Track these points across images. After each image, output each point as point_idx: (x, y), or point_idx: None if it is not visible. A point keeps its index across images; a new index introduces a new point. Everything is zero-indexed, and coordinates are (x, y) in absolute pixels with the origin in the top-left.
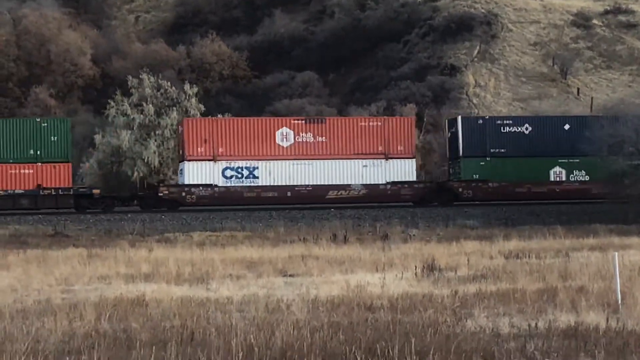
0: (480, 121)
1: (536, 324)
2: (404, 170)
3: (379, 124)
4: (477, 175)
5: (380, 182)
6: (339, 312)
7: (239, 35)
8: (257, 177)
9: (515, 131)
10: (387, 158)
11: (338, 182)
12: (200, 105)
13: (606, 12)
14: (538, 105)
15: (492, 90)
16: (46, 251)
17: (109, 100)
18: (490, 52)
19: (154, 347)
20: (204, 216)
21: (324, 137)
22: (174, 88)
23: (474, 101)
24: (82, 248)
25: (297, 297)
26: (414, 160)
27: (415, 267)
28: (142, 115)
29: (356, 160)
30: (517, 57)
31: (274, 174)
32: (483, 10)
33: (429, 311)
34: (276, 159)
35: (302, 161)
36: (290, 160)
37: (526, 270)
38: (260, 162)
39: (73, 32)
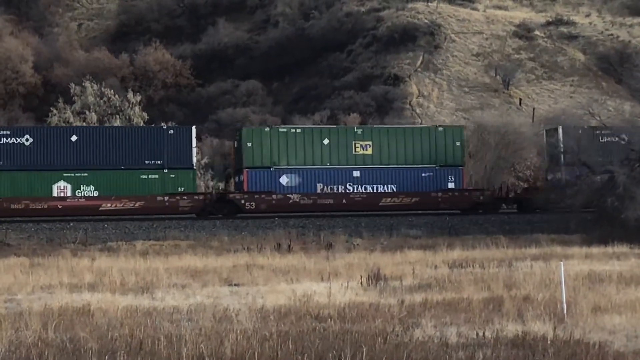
0: None
1: (484, 333)
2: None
3: None
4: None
5: None
6: (287, 321)
7: (183, 44)
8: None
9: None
10: None
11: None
12: (143, 113)
13: (548, 24)
14: (480, 116)
15: (435, 101)
16: None
17: (51, 108)
18: (433, 63)
19: (104, 357)
20: (147, 225)
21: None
22: (117, 96)
23: (417, 111)
24: (24, 257)
25: (244, 306)
26: None
27: (361, 276)
28: (84, 123)
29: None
30: (460, 68)
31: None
32: (426, 21)
33: (377, 321)
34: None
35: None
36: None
37: (471, 280)
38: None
39: (14, 39)
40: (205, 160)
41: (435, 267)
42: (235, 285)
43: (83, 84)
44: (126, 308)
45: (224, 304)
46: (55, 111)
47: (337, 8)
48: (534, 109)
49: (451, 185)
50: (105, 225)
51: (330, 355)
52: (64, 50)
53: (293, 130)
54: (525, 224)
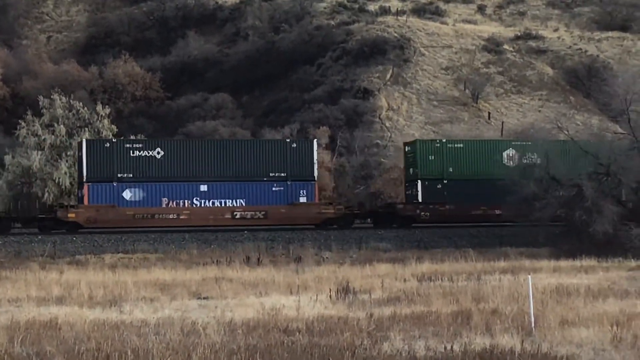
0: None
1: (452, 346)
2: None
3: None
4: None
5: None
6: (255, 335)
7: (152, 56)
8: None
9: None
10: None
11: None
12: (112, 126)
13: (517, 38)
14: (450, 129)
15: (405, 114)
16: None
17: (19, 121)
18: (402, 76)
19: None
20: (116, 238)
21: None
22: (86, 109)
23: (387, 124)
24: None
25: (213, 319)
26: None
27: (330, 289)
28: (53, 136)
29: None
30: (430, 81)
31: None
32: (396, 35)
33: (345, 334)
34: None
35: None
36: None
37: (440, 293)
38: None
39: None
40: None
41: (405, 280)
42: (204, 298)
43: (52, 96)
44: (94, 322)
45: (193, 317)
46: (23, 124)
47: (307, 21)
48: (502, 123)
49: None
50: (74, 238)
51: None
52: (33, 63)
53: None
54: (494, 237)
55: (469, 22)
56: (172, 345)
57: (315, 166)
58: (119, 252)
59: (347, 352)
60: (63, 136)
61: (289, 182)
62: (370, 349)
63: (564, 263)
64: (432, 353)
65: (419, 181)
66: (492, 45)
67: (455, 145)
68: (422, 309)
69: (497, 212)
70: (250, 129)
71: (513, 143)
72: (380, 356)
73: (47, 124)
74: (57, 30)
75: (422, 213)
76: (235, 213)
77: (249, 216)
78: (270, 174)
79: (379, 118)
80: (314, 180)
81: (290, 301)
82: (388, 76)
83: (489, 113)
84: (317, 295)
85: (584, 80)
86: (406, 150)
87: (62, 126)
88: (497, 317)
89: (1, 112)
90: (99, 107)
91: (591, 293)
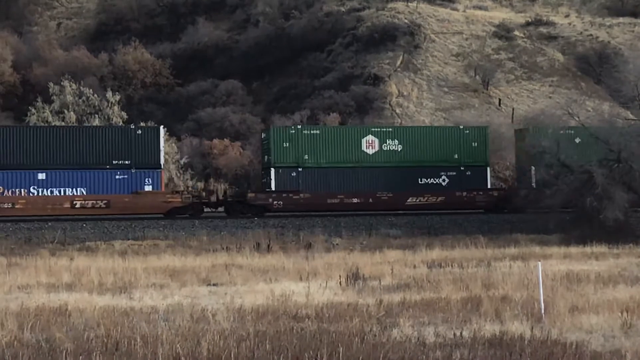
0: None
1: (461, 333)
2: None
3: None
4: None
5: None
6: (264, 321)
7: (162, 43)
8: None
9: None
10: None
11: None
12: (122, 112)
13: (527, 24)
14: (460, 116)
15: (415, 100)
16: None
17: (29, 107)
18: (413, 63)
19: (79, 357)
20: (126, 224)
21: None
22: (96, 95)
23: (397, 111)
24: (2, 257)
25: (222, 306)
26: None
27: (340, 276)
28: (63, 123)
29: None
30: (440, 68)
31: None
32: (406, 21)
33: (354, 320)
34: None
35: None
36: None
37: (449, 280)
38: None
39: None
40: (184, 159)
41: (414, 266)
42: (213, 285)
43: (62, 83)
44: (103, 308)
45: (202, 304)
46: (34, 110)
47: (317, 8)
48: (513, 109)
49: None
50: (84, 225)
51: (307, 355)
52: (43, 50)
53: None
54: (505, 223)
55: (480, 8)
56: (182, 331)
57: (162, 154)
58: (128, 239)
59: (357, 339)
60: (73, 123)
61: (133, 171)
62: (379, 336)
63: (574, 249)
64: (441, 339)
65: (272, 169)
66: (503, 32)
67: (312, 131)
68: (431, 296)
69: (355, 200)
70: (261, 115)
71: (372, 129)
72: (390, 342)
73: (57, 110)
74: (67, 16)
75: (275, 202)
76: (75, 202)
77: (89, 205)
78: (114, 162)
79: (389, 104)
80: (160, 169)
81: (300, 288)
82: (398, 62)
83: (500, 99)
84: (326, 282)
85: (594, 67)
86: (262, 137)
87: (72, 113)
88: (507, 303)
89: (11, 98)
90: (109, 94)
91: (601, 279)
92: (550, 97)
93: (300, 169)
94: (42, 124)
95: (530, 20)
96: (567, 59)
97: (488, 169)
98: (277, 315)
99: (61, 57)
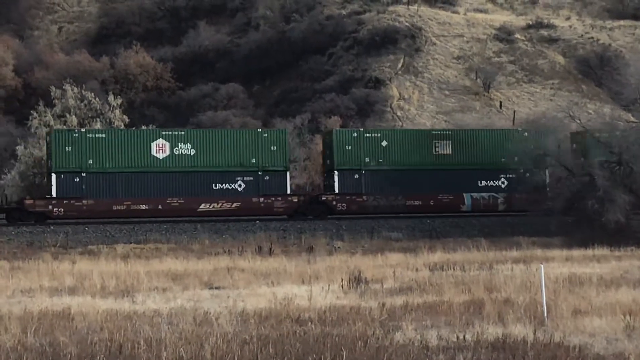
0: None
1: (464, 336)
2: None
3: None
4: None
5: None
6: (267, 325)
7: (163, 47)
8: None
9: None
10: None
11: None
12: (124, 116)
13: (528, 27)
14: (461, 119)
15: (416, 103)
16: None
17: (31, 111)
18: (414, 66)
19: None
20: (128, 228)
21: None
22: (97, 99)
23: (398, 114)
24: (4, 261)
25: (225, 309)
26: None
27: (342, 279)
28: (65, 127)
29: None
30: (441, 71)
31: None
32: (407, 24)
33: (357, 324)
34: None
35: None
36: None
37: (452, 283)
38: None
39: None
40: None
41: (416, 269)
42: (216, 288)
43: (63, 87)
44: (106, 312)
45: (205, 307)
46: (35, 114)
47: (318, 11)
48: (514, 112)
49: None
50: (86, 229)
51: (310, 358)
52: (45, 53)
53: None
54: (506, 226)
55: (481, 11)
56: (185, 335)
57: None
58: (131, 243)
59: (359, 342)
60: (74, 126)
61: None
62: (382, 339)
63: (576, 252)
64: (444, 342)
65: (54, 174)
66: (504, 34)
67: (97, 135)
68: (434, 299)
69: (143, 206)
70: (262, 118)
71: (163, 133)
72: (393, 346)
73: (58, 114)
74: (68, 20)
75: (55, 209)
76: None
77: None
78: None
79: (391, 108)
80: None
81: (302, 291)
82: (399, 65)
83: (501, 102)
84: (329, 285)
85: (595, 69)
86: (46, 140)
87: (73, 117)
88: (510, 306)
89: (13, 102)
90: (111, 98)
91: (604, 282)
92: (551, 100)
93: (84, 174)
94: (46, 128)
95: (531, 23)
96: (568, 62)
97: (288, 173)
98: (280, 319)
99: (63, 61)
